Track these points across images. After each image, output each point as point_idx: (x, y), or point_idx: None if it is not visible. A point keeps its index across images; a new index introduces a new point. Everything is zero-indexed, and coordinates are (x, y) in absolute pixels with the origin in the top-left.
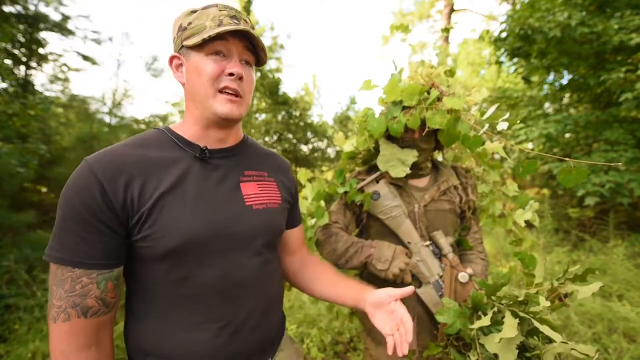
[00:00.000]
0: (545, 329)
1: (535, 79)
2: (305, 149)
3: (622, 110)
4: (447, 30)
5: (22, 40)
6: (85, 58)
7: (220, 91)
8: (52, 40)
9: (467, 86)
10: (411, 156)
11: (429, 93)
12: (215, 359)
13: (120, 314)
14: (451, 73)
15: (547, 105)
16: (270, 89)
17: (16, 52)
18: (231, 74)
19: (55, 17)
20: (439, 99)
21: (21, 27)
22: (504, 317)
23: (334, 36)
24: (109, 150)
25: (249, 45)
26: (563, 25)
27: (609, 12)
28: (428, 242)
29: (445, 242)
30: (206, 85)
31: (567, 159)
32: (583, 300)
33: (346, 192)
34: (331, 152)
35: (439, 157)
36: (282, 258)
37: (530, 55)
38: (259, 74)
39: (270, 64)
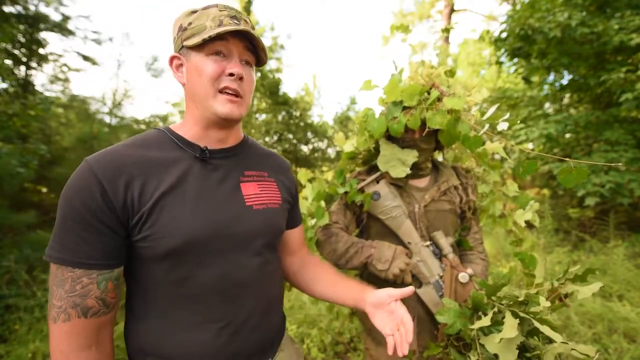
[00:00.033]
0: (545, 329)
1: (535, 79)
2: (305, 149)
3: (622, 110)
4: (447, 30)
5: (22, 40)
6: (85, 58)
7: (220, 91)
8: (52, 40)
9: (467, 86)
10: (411, 156)
11: (429, 93)
12: (215, 359)
13: (121, 314)
14: (451, 73)
15: (547, 105)
16: (270, 89)
17: (16, 52)
18: (231, 74)
19: (55, 17)
20: (439, 99)
21: (21, 27)
22: (504, 317)
23: (334, 36)
24: (109, 150)
25: (249, 45)
26: (563, 25)
27: (609, 12)
28: (428, 242)
29: (445, 242)
30: (206, 85)
31: (567, 159)
32: (583, 300)
33: (346, 192)
34: (331, 152)
35: (439, 157)
36: (282, 258)
37: (530, 55)
38: (259, 74)
39: (270, 64)
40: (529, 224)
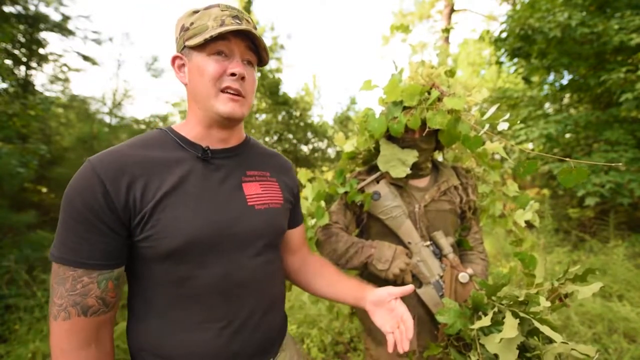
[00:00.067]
0: (546, 329)
1: (535, 79)
2: (305, 149)
3: (622, 110)
4: (447, 30)
5: (22, 40)
6: (85, 58)
7: (222, 91)
8: (52, 40)
9: (467, 86)
10: (411, 156)
11: (429, 93)
12: (217, 358)
13: (122, 314)
14: (451, 73)
15: (547, 105)
16: (270, 89)
17: (16, 52)
18: (233, 74)
19: (55, 17)
20: (439, 99)
21: (21, 27)
22: (504, 317)
23: (334, 36)
24: (112, 151)
25: (251, 45)
26: (563, 25)
27: (609, 12)
28: (428, 242)
29: (446, 242)
30: (208, 85)
31: (567, 159)
32: (583, 300)
33: (346, 192)
34: (331, 152)
35: (439, 157)
36: (283, 257)
37: (530, 55)
38: (259, 74)
39: (270, 64)
40: (529, 224)
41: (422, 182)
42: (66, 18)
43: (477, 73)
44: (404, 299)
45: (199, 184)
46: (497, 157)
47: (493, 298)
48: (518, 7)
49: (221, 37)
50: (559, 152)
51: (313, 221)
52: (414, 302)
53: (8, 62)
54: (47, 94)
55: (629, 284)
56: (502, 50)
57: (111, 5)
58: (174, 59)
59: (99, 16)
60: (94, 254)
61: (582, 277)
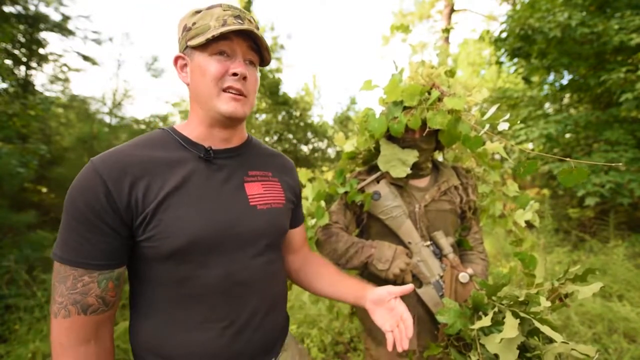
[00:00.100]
0: (546, 329)
1: (535, 79)
2: (305, 149)
3: (622, 110)
4: (447, 31)
5: (22, 40)
6: (85, 58)
7: (224, 90)
8: (52, 40)
9: (467, 86)
10: (411, 156)
11: (429, 93)
12: (218, 358)
13: (122, 314)
14: (451, 73)
15: (547, 105)
16: (270, 89)
17: (16, 52)
18: (235, 74)
19: (55, 17)
20: (440, 99)
21: (21, 27)
22: (504, 317)
23: (334, 36)
24: (115, 151)
25: (253, 45)
26: (563, 25)
27: (609, 12)
28: (428, 242)
29: (446, 242)
30: (210, 85)
31: (567, 159)
32: (583, 300)
33: (346, 192)
34: (331, 152)
35: (439, 157)
36: (284, 256)
37: (530, 55)
38: (259, 74)
39: (270, 64)
40: (529, 224)
41: (423, 182)
42: (66, 18)
43: (477, 73)
44: (404, 298)
45: (201, 184)
46: (497, 157)
47: (493, 298)
48: (518, 7)
49: (223, 37)
50: (559, 152)
51: (313, 221)
52: (414, 302)
53: (8, 62)
54: (47, 94)
55: (629, 284)
56: (502, 50)
57: (111, 5)
58: (177, 59)
59: (99, 16)
60: (95, 254)
61: (582, 277)
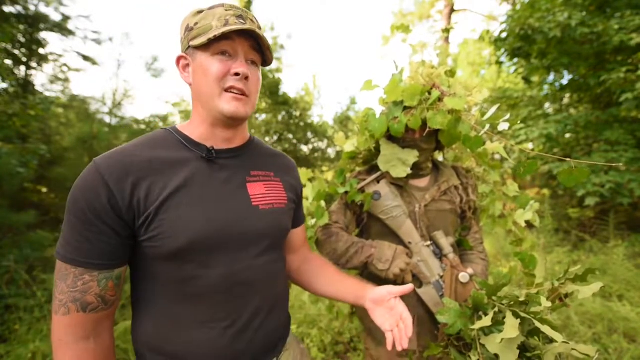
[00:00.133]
0: (546, 329)
1: (535, 79)
2: (305, 149)
3: (622, 110)
4: (447, 30)
5: (22, 40)
6: (85, 58)
7: (226, 90)
8: (52, 40)
9: (467, 86)
10: (412, 156)
11: (429, 93)
12: (220, 358)
13: (123, 314)
14: (451, 73)
15: (547, 105)
16: (270, 89)
17: (16, 52)
18: (237, 74)
19: (55, 17)
20: (440, 99)
21: (21, 27)
22: (504, 317)
23: (334, 36)
24: (117, 151)
25: (255, 45)
26: (563, 25)
27: (609, 12)
28: (428, 242)
29: (446, 242)
30: (212, 85)
31: (567, 159)
32: (583, 300)
33: (346, 192)
34: (331, 152)
35: (440, 157)
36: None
37: (530, 55)
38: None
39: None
40: (529, 224)
41: (423, 182)
42: (66, 18)
43: (477, 73)
44: (404, 298)
45: (203, 184)
46: (497, 157)
47: (493, 298)
48: (518, 7)
49: (225, 36)
50: (559, 152)
51: (313, 221)
52: (414, 302)
53: (8, 62)
54: (47, 94)
55: (629, 284)
56: (502, 50)
57: (111, 5)
58: (179, 59)
59: (99, 16)
60: (95, 254)
61: (582, 277)
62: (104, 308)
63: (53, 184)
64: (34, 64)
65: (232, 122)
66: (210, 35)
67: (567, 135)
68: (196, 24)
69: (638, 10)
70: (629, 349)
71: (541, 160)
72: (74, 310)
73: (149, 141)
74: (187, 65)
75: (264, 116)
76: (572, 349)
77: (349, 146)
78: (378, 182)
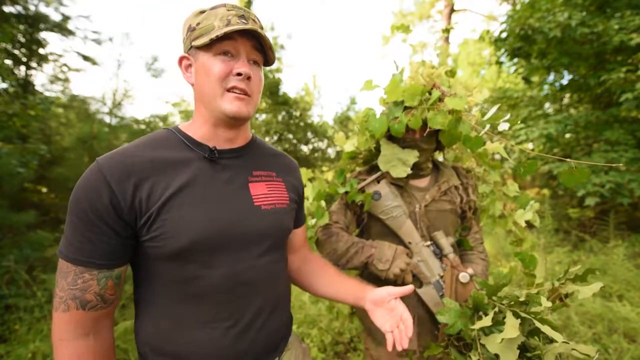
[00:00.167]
0: (546, 329)
1: (535, 79)
2: (305, 149)
3: (622, 110)
4: (447, 30)
5: (22, 40)
6: (85, 58)
7: (228, 90)
8: (52, 40)
9: (467, 86)
10: (412, 156)
11: (430, 93)
12: (222, 358)
13: (123, 314)
14: (452, 73)
15: (547, 105)
16: (270, 89)
17: (16, 52)
18: (239, 74)
19: (55, 17)
20: (440, 99)
21: (21, 27)
22: (504, 317)
23: (334, 36)
24: (119, 151)
25: (257, 45)
26: (563, 25)
27: (609, 12)
28: (429, 242)
29: (446, 242)
30: (214, 85)
31: (567, 159)
32: (583, 300)
33: (346, 192)
34: (331, 152)
35: (440, 157)
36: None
37: (530, 55)
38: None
39: None
40: (529, 224)
41: (423, 182)
42: (66, 18)
43: (477, 73)
44: (404, 298)
45: (205, 184)
46: (497, 157)
47: (494, 298)
48: (518, 7)
49: (227, 36)
50: (559, 152)
51: (313, 221)
52: (414, 302)
53: (8, 62)
54: (47, 94)
55: (629, 284)
56: (502, 50)
57: (111, 5)
58: (181, 59)
59: (99, 16)
60: (96, 254)
61: (582, 277)
62: (103, 306)
63: (53, 184)
64: (34, 64)
65: (234, 122)
66: (213, 35)
67: (567, 135)
68: (198, 24)
69: (638, 10)
70: (629, 349)
71: (541, 160)
72: (73, 307)
73: (151, 141)
74: (190, 65)
75: (264, 116)
76: (572, 349)
77: (349, 146)
78: (378, 182)
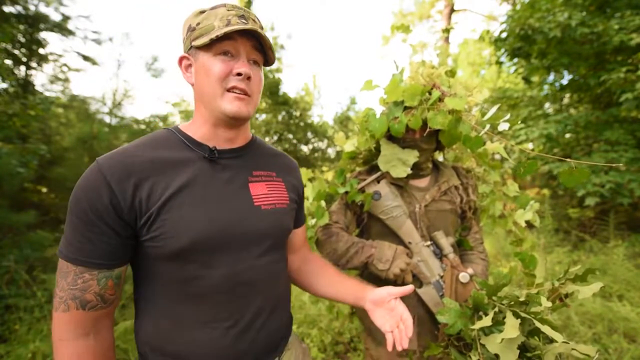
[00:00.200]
0: (546, 329)
1: (535, 79)
2: (305, 149)
3: (622, 110)
4: (447, 30)
5: (22, 40)
6: (85, 58)
7: (228, 90)
8: (52, 40)
9: (467, 86)
10: (412, 156)
11: (430, 93)
12: (222, 358)
13: (123, 314)
14: (452, 73)
15: (547, 105)
16: (270, 89)
17: (16, 52)
18: (239, 74)
19: (55, 17)
20: (440, 99)
21: (21, 27)
22: (504, 317)
23: (334, 36)
24: (119, 151)
25: (257, 45)
26: (563, 25)
27: (609, 12)
28: (429, 242)
29: (446, 242)
30: (214, 86)
31: (567, 159)
32: (583, 300)
33: (346, 192)
34: (331, 152)
35: (440, 157)
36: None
37: (530, 55)
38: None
39: None
40: (529, 224)
41: (423, 182)
42: (66, 18)
43: (477, 73)
44: (404, 298)
45: (205, 184)
46: (497, 157)
47: (494, 298)
48: (518, 7)
49: (227, 36)
50: (559, 152)
51: (313, 221)
52: (414, 302)
53: (8, 62)
54: (47, 94)
55: (629, 284)
56: (502, 50)
57: (111, 5)
58: (181, 59)
59: (99, 16)
60: (96, 254)
61: (582, 277)
62: (103, 306)
63: (53, 184)
64: (34, 64)
65: (234, 121)
66: (213, 35)
67: (567, 135)
68: (198, 24)
69: (638, 10)
70: (629, 349)
71: (541, 160)
72: (73, 307)
73: (152, 141)
74: (190, 65)
75: (264, 116)
76: (572, 349)
77: (349, 146)
78: (378, 182)
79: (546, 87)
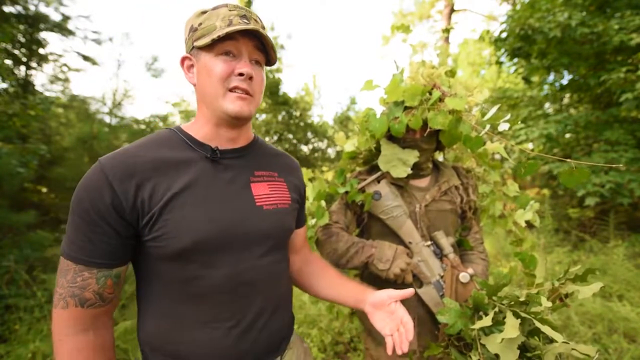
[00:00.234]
0: (546, 329)
1: (535, 79)
2: (305, 149)
3: (622, 110)
4: (447, 30)
5: (22, 40)
6: (85, 58)
7: (230, 90)
8: (52, 40)
9: (468, 86)
10: (412, 156)
11: (430, 93)
12: (224, 358)
13: (123, 314)
14: (452, 73)
15: (547, 105)
16: (270, 89)
17: (16, 52)
18: (241, 74)
19: (55, 17)
20: (441, 100)
21: (21, 27)
22: (505, 317)
23: (334, 36)
24: (121, 151)
25: (259, 45)
26: (563, 25)
27: (609, 12)
28: (429, 242)
29: (446, 242)
30: (216, 86)
31: (567, 159)
32: (583, 300)
33: (347, 192)
34: (331, 152)
35: (440, 157)
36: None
37: (530, 55)
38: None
39: None
40: (529, 224)
41: (423, 182)
42: (66, 18)
43: (477, 73)
44: (404, 299)
45: (207, 184)
46: (497, 157)
47: (494, 298)
48: (518, 7)
49: (229, 37)
50: (559, 152)
51: (313, 221)
52: (414, 302)
53: (8, 62)
54: (47, 94)
55: (629, 284)
56: (502, 50)
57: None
58: (183, 59)
59: (99, 16)
60: (96, 253)
61: (582, 277)
62: (102, 305)
63: (53, 184)
64: (34, 64)
65: (236, 121)
66: (214, 35)
67: (567, 135)
68: (200, 24)
69: (638, 10)
70: (629, 349)
71: (541, 160)
72: (72, 304)
73: (154, 141)
74: (192, 65)
75: (264, 116)
76: (572, 349)
77: (349, 146)
78: (378, 182)
79: (546, 87)
